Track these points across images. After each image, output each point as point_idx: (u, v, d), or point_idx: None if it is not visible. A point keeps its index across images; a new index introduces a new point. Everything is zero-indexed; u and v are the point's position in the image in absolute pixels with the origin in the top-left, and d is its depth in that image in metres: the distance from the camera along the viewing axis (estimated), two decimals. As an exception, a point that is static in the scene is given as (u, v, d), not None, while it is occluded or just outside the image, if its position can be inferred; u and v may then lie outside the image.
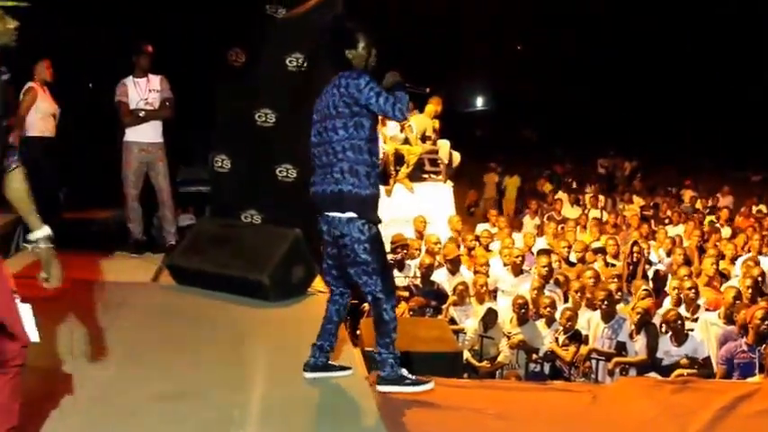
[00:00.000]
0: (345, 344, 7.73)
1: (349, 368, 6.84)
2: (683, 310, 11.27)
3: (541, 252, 14.03)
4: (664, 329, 10.78)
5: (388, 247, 13.81)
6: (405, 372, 6.51)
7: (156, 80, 10.51)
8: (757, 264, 13.30)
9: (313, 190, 6.38)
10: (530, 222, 19.14)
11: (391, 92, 6.11)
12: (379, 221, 6.33)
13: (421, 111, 17.77)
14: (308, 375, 6.63)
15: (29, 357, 4.54)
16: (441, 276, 12.90)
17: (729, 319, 10.66)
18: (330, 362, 6.74)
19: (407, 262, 13.57)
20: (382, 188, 16.56)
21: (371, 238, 6.21)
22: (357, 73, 6.14)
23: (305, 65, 10.27)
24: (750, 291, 11.58)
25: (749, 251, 15.05)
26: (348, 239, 6.19)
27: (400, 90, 6.15)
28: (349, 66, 6.24)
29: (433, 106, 17.90)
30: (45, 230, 4.67)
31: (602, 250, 14.96)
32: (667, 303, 11.88)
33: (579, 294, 11.81)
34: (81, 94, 11.43)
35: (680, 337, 10.35)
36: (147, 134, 10.48)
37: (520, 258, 13.32)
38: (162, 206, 10.66)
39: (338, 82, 6.14)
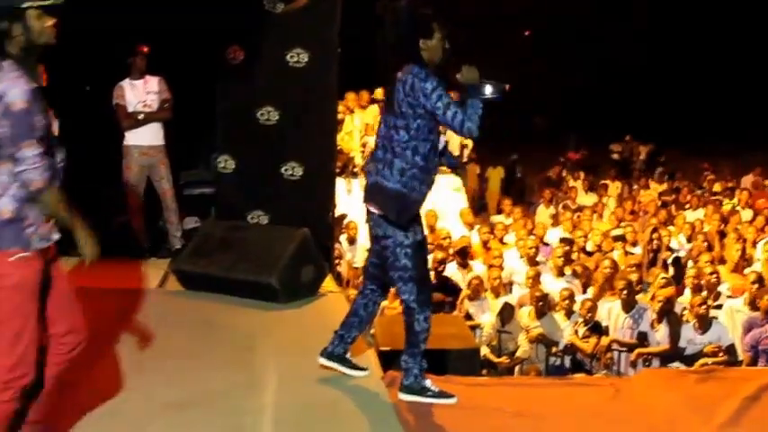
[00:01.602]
0: (359, 343, 7.57)
1: (365, 369, 6.66)
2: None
3: (563, 241, 13.85)
4: (687, 317, 10.59)
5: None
6: (428, 383, 6.29)
7: (153, 81, 10.32)
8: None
9: (366, 182, 6.21)
10: (544, 212, 18.88)
11: (463, 102, 5.85)
12: (417, 225, 6.13)
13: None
14: (322, 361, 6.49)
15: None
16: (452, 271, 12.69)
17: (754, 305, 10.48)
18: (347, 356, 6.57)
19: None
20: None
21: (415, 243, 6.02)
22: (425, 73, 5.85)
23: (306, 60, 10.11)
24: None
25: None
26: (391, 241, 6.00)
27: (474, 94, 5.87)
28: (420, 58, 5.95)
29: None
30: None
31: (621, 238, 14.75)
32: (688, 292, 11.69)
33: (599, 285, 11.62)
34: (78, 99, 11.20)
35: (704, 324, 10.16)
36: (146, 137, 10.29)
37: (534, 250, 13.10)
38: (166, 210, 10.47)
39: (405, 78, 5.87)
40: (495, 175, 23.28)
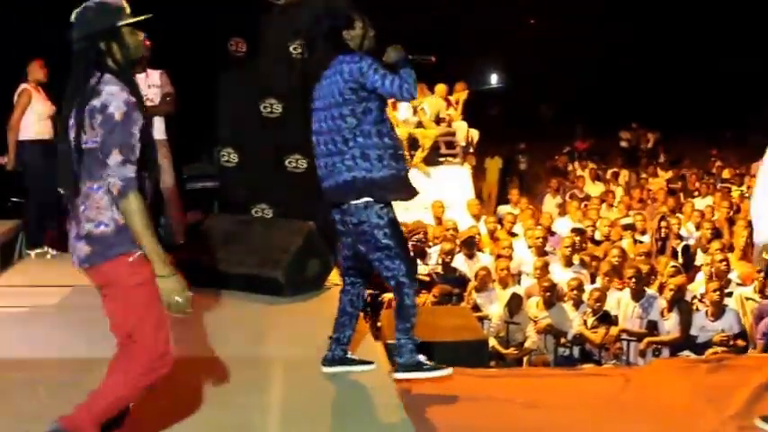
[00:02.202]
0: (366, 337, 7.53)
1: (371, 362, 6.62)
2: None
3: (574, 231, 13.79)
4: (696, 305, 10.54)
5: (407, 235, 13.61)
6: (422, 358, 6.28)
7: (155, 75, 10.25)
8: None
9: (324, 185, 6.22)
10: (551, 201, 18.83)
11: (396, 71, 5.92)
12: (405, 198, 6.24)
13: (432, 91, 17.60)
14: (326, 369, 6.45)
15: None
16: (459, 262, 12.62)
17: (764, 293, 10.42)
18: (349, 355, 6.56)
19: (428, 249, 13.30)
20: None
21: (390, 221, 6.04)
22: (357, 56, 5.95)
23: (305, 51, 10.05)
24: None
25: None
26: (367, 226, 6.01)
27: (405, 66, 5.95)
28: (346, 48, 6.04)
29: (445, 87, 17.76)
30: None
31: (631, 227, 14.68)
32: (699, 279, 11.63)
33: (606, 274, 11.55)
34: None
35: (717, 311, 10.10)
36: (148, 131, 10.22)
37: (541, 240, 13.04)
38: (168, 205, 10.40)
39: (340, 68, 5.94)
40: (494, 165, 23.09)
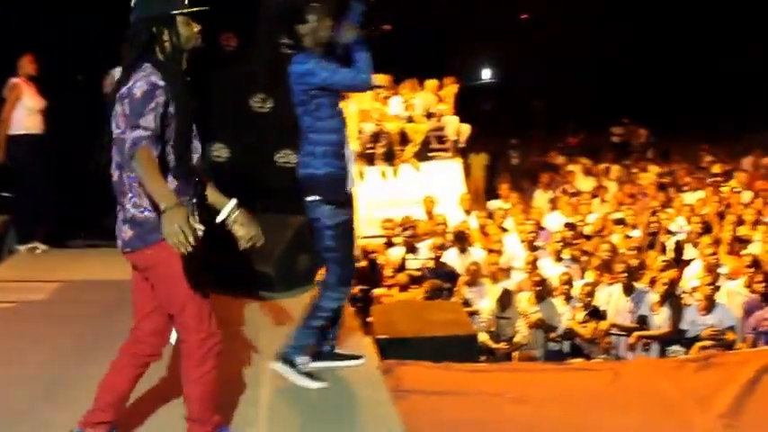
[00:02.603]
0: (355, 332, 7.53)
1: (360, 357, 6.61)
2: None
3: (567, 226, 13.82)
4: (688, 299, 10.57)
5: (397, 230, 13.59)
6: (300, 359, 6.19)
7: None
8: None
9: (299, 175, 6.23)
10: (542, 196, 18.82)
11: (350, 60, 5.89)
12: (338, 200, 6.08)
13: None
14: (315, 365, 6.36)
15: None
16: (451, 256, 12.61)
17: (752, 287, 10.46)
18: (337, 350, 6.54)
19: (418, 244, 13.30)
20: (389, 169, 16.49)
21: (339, 224, 6.03)
22: (304, 57, 5.91)
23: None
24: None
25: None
26: (318, 223, 6.04)
27: (360, 48, 5.87)
28: (300, 43, 5.99)
29: (436, 82, 17.77)
30: (233, 200, 5.13)
31: (621, 221, 14.71)
32: (689, 273, 11.67)
33: (598, 269, 11.59)
34: (69, 88, 11.11)
35: (709, 305, 10.12)
36: (137, 126, 10.20)
37: (532, 235, 13.05)
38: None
39: (292, 70, 5.94)
40: (479, 161, 23.02)
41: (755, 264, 10.97)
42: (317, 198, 5.97)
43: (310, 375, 6.19)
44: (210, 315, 4.72)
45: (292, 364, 6.16)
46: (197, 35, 4.71)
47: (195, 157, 4.82)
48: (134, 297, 4.92)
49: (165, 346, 5.02)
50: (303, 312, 6.23)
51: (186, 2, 4.60)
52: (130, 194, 4.57)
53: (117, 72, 10.03)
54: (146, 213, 4.52)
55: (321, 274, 6.41)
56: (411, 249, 12.98)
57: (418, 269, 12.35)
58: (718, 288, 10.72)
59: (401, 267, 12.52)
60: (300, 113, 5.98)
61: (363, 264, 12.58)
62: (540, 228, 14.02)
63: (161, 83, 4.43)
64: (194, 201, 4.77)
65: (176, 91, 4.51)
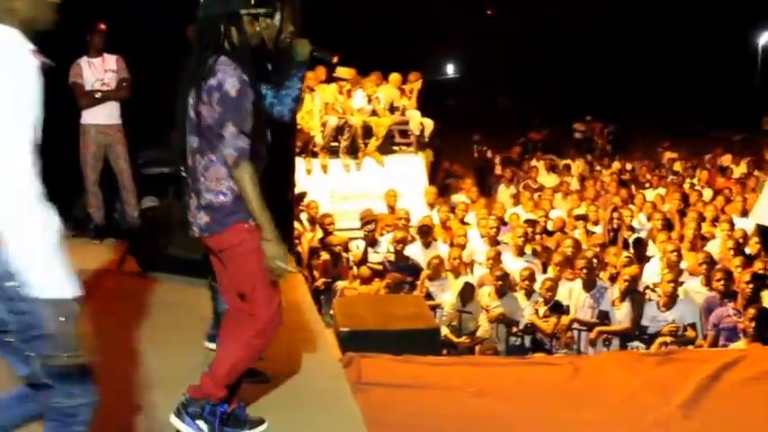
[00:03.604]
0: (317, 325, 7.54)
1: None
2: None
3: (527, 221, 13.87)
4: (649, 296, 10.65)
5: (357, 224, 13.61)
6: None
7: (111, 60, 10.20)
8: (732, 224, 13.17)
9: None
10: (505, 191, 18.89)
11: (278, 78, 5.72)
12: None
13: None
14: (209, 345, 6.52)
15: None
16: (414, 250, 12.64)
17: (710, 285, 10.56)
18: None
19: (379, 238, 13.31)
20: (352, 162, 16.54)
21: None
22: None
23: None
24: (733, 252, 11.51)
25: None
26: None
27: (297, 75, 5.35)
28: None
29: (399, 76, 17.79)
30: None
31: (583, 217, 14.78)
32: (650, 269, 11.75)
33: (559, 265, 11.63)
34: (44, 75, 11.04)
35: (669, 302, 10.19)
36: (104, 116, 10.18)
37: (494, 230, 13.08)
38: (123, 190, 10.36)
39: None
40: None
41: (711, 261, 11.07)
42: None
43: None
44: (278, 299, 4.89)
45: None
46: (259, 34, 4.86)
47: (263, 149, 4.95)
48: (219, 279, 5.20)
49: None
50: None
51: (252, 2, 4.78)
52: (203, 179, 4.76)
53: (83, 62, 10.03)
54: (221, 198, 4.71)
55: None
56: (372, 243, 12.98)
57: (379, 263, 12.36)
58: (680, 284, 10.80)
59: (363, 261, 12.54)
60: None
61: (326, 257, 12.59)
62: (502, 223, 14.06)
63: (245, 76, 4.62)
64: None
65: (250, 83, 4.68)
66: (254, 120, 4.68)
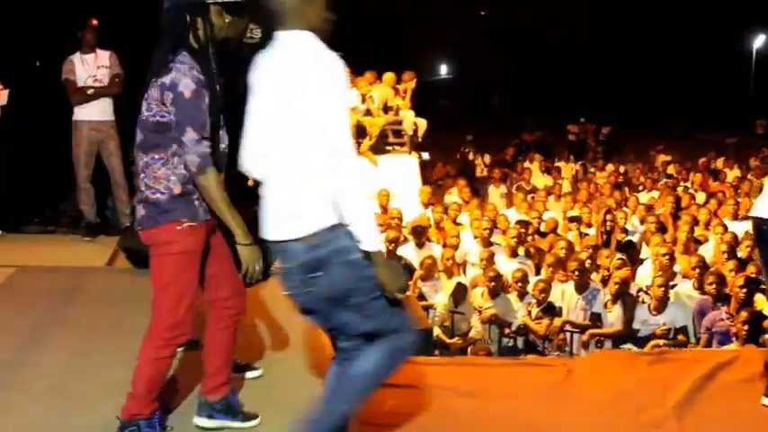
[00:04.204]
0: (310, 324, 7.49)
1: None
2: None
3: (519, 223, 13.84)
4: (642, 298, 10.63)
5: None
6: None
7: (104, 56, 10.17)
8: (725, 228, 13.17)
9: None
10: (495, 192, 18.90)
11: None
12: None
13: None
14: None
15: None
16: (407, 250, 12.60)
17: (702, 289, 10.55)
18: None
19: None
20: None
21: None
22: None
23: (260, 36, 9.92)
24: (726, 256, 11.50)
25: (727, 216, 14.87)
26: None
27: None
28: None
29: (393, 76, 17.76)
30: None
31: (576, 219, 14.77)
32: (642, 272, 11.74)
33: (552, 266, 11.61)
34: (27, 73, 11.01)
35: (660, 305, 10.18)
36: (96, 112, 10.16)
37: (487, 231, 13.05)
38: (115, 187, 10.33)
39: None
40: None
41: (704, 265, 11.07)
42: None
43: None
44: (189, 306, 4.83)
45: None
46: (227, 26, 4.81)
47: (222, 146, 4.91)
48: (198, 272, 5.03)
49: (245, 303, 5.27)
50: None
51: None
52: (143, 176, 4.75)
53: (76, 58, 10.01)
54: (157, 195, 4.70)
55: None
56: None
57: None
58: (672, 287, 10.80)
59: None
60: None
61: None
62: (495, 224, 14.04)
63: (202, 77, 4.58)
64: None
65: (208, 81, 4.63)
66: (210, 120, 4.62)
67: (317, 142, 4.09)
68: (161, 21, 4.73)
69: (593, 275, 11.44)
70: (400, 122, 17.45)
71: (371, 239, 4.16)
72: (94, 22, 10.17)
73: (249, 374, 6.29)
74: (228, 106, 4.80)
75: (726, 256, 11.58)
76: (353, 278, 4.26)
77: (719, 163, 22.48)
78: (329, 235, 4.21)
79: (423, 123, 17.72)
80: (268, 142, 4.27)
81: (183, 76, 4.49)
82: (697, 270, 10.96)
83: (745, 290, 9.79)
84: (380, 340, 4.46)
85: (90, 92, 10.06)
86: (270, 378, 6.19)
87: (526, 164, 22.59)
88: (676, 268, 11.59)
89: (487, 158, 24.54)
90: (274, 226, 4.34)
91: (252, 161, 4.48)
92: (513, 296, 11.06)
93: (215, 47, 4.73)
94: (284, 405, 5.71)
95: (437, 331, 10.53)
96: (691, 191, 18.23)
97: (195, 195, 4.73)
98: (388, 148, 17.49)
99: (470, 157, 24.47)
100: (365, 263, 4.23)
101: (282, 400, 5.80)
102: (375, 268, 4.24)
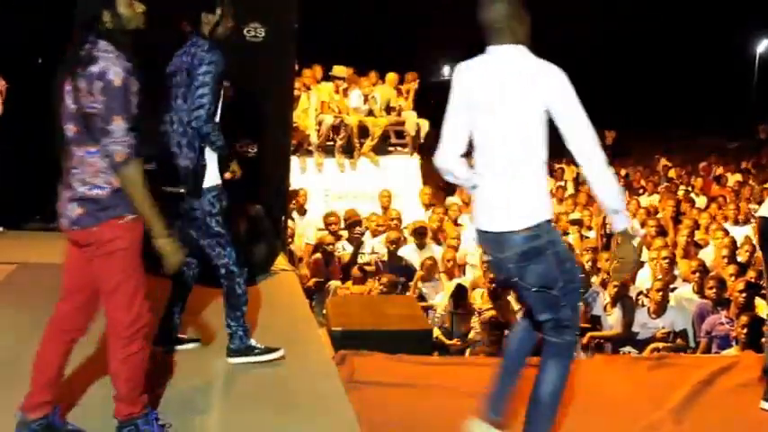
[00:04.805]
0: (311, 324, 7.51)
1: (278, 349, 6.50)
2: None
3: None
4: (641, 301, 10.63)
5: (342, 224, 13.57)
6: (253, 342, 6.40)
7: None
8: (726, 233, 13.16)
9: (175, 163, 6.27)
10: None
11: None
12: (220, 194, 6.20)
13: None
14: (231, 361, 6.43)
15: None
16: (408, 251, 12.61)
17: (702, 293, 10.55)
18: (252, 343, 6.47)
19: (366, 239, 13.28)
20: (347, 162, 16.48)
21: (222, 210, 6.16)
22: (209, 46, 6.06)
23: (264, 35, 9.93)
24: (726, 260, 11.50)
25: (725, 219, 14.83)
26: (199, 212, 6.13)
27: None
28: (198, 30, 6.14)
29: (396, 76, 17.78)
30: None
31: (578, 222, 14.76)
32: (642, 275, 11.74)
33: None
34: (29, 71, 11.00)
35: (659, 309, 10.18)
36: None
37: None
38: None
39: (193, 51, 6.07)
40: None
41: (704, 269, 11.07)
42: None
43: (269, 349, 6.38)
44: (143, 298, 4.77)
45: (248, 351, 6.31)
46: (141, 16, 4.75)
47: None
48: (66, 274, 5.02)
49: (90, 324, 5.10)
50: (228, 303, 6.33)
51: None
52: (77, 171, 4.63)
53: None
54: (96, 191, 4.59)
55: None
56: (357, 244, 12.95)
57: (368, 263, 12.33)
58: (672, 291, 10.80)
59: (352, 262, 12.51)
60: (184, 95, 6.14)
61: (318, 256, 12.55)
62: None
63: (129, 64, 4.50)
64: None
65: (136, 70, 4.57)
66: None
67: (542, 142, 4.98)
68: (75, 12, 4.66)
69: (593, 278, 11.44)
70: (402, 123, 17.45)
71: (625, 219, 4.90)
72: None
73: (274, 355, 6.40)
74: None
75: (726, 260, 11.58)
76: (559, 269, 4.80)
77: (720, 169, 22.47)
78: (547, 227, 4.79)
79: (425, 124, 17.72)
80: (492, 146, 4.89)
81: (113, 65, 4.43)
82: (697, 274, 10.94)
83: (745, 294, 9.80)
84: (551, 354, 5.14)
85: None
86: (270, 378, 6.19)
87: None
88: (676, 272, 11.58)
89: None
90: (493, 218, 4.84)
91: (453, 162, 5.07)
92: (512, 298, 11.05)
93: (129, 37, 4.67)
94: (284, 405, 5.74)
95: (437, 332, 10.52)
96: (692, 195, 18.21)
97: None
98: (390, 148, 17.49)
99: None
100: (567, 256, 4.98)
101: (282, 399, 5.82)
102: (622, 245, 5.00)
